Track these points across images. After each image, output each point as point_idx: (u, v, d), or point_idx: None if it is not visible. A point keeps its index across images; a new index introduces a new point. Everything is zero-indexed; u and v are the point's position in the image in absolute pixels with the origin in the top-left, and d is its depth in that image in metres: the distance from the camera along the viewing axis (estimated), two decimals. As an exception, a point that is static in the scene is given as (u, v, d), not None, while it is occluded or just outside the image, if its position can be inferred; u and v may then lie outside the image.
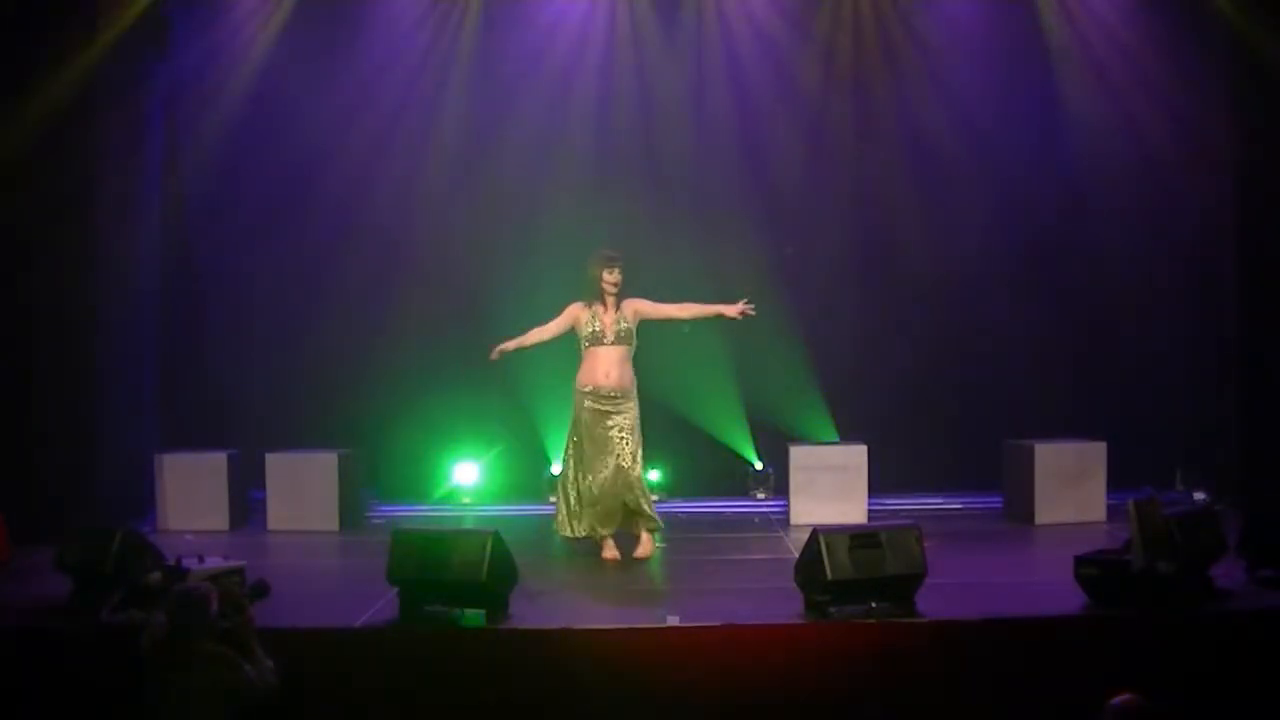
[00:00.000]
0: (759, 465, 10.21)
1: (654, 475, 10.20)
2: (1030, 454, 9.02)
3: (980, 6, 10.46)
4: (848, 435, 9.63)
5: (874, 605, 6.12)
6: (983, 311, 10.29)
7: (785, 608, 6.28)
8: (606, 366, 7.89)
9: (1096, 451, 9.11)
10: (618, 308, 7.97)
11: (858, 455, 9.20)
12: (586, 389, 7.91)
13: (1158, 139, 10.26)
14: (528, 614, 6.29)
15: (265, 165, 10.31)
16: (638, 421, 7.96)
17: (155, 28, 9.73)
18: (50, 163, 8.81)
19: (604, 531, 7.93)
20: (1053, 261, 10.38)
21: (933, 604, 6.22)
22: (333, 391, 10.28)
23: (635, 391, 7.97)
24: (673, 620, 6.14)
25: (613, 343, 7.91)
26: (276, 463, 9.27)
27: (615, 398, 7.88)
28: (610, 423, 7.88)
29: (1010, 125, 10.31)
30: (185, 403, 10.22)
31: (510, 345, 8.24)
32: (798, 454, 9.35)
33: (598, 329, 7.92)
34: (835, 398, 10.13)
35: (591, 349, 7.95)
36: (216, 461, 9.29)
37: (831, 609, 6.08)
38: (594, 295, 7.98)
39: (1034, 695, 5.76)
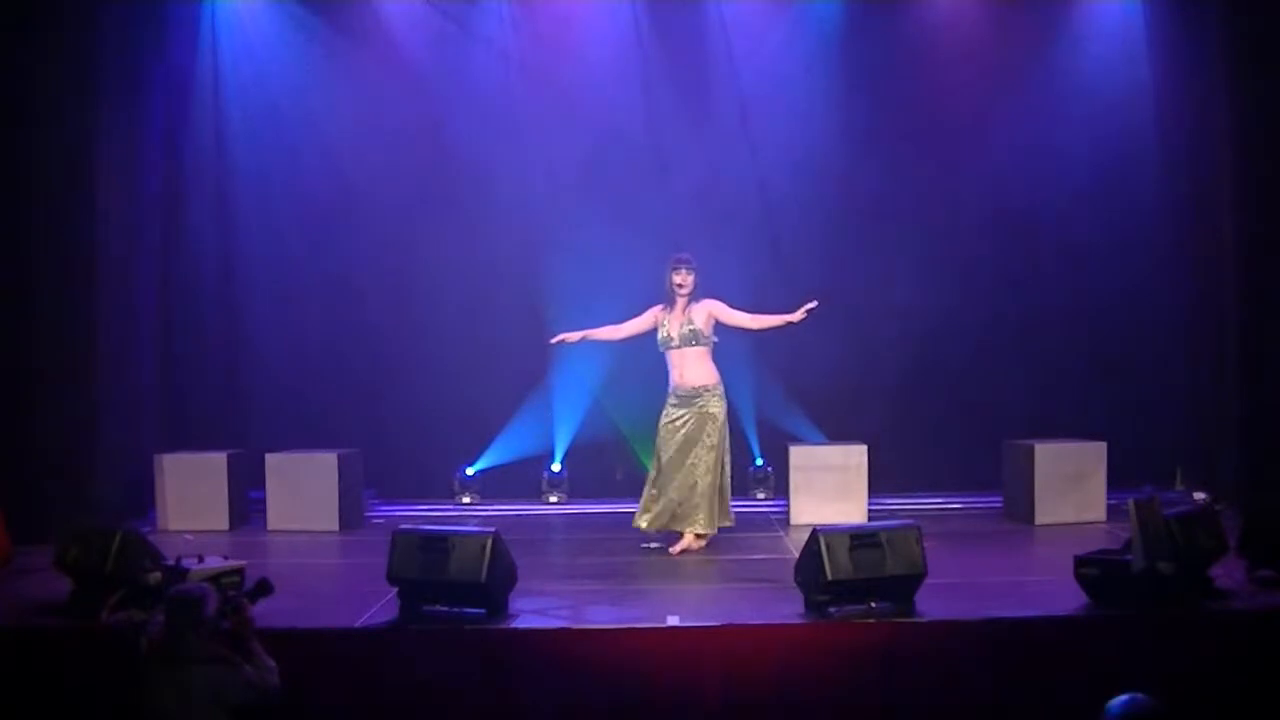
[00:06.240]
0: (759, 462, 10.21)
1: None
2: (1030, 454, 9.02)
3: (977, 6, 10.47)
4: (847, 435, 9.62)
5: (874, 605, 6.13)
6: (983, 311, 10.29)
7: (785, 608, 6.28)
8: (681, 368, 8.17)
9: (1096, 451, 9.11)
10: (687, 310, 8.19)
11: (858, 455, 9.20)
12: (670, 391, 8.22)
13: (1157, 139, 10.29)
14: (528, 614, 6.29)
15: (266, 165, 10.35)
16: (722, 417, 8.17)
17: (155, 27, 9.73)
18: (50, 163, 8.80)
19: (676, 527, 8.17)
20: (1053, 261, 10.39)
21: (933, 604, 6.22)
22: (333, 391, 10.30)
23: (719, 387, 8.20)
24: (673, 620, 6.15)
25: (679, 345, 8.17)
26: (276, 463, 9.27)
27: (694, 396, 8.13)
28: (688, 418, 8.12)
29: (1008, 125, 10.31)
30: (185, 403, 10.23)
31: (574, 336, 8.47)
32: (797, 454, 9.35)
33: (666, 333, 8.21)
34: (835, 397, 10.13)
35: (666, 353, 8.24)
36: (216, 461, 9.28)
37: (831, 609, 6.09)
38: (669, 298, 8.22)
39: (1034, 695, 5.77)
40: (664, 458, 8.19)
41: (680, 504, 8.13)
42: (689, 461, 8.13)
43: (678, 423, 8.16)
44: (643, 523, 8.25)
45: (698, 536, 8.17)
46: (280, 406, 10.25)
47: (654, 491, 8.24)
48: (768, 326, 8.32)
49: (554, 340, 8.58)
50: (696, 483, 8.12)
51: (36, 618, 6.41)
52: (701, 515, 8.11)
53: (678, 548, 8.15)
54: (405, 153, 10.37)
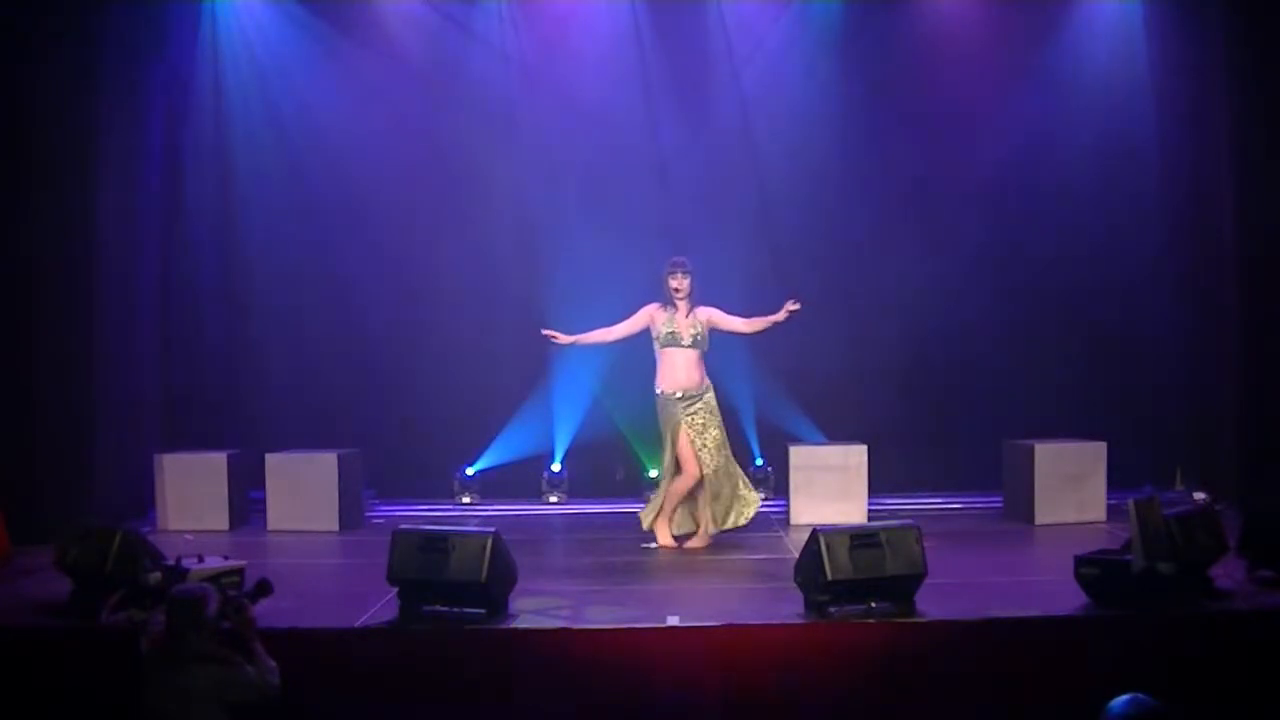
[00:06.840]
0: (759, 462, 10.20)
1: (654, 474, 10.23)
2: (1030, 454, 9.02)
3: (977, 6, 10.46)
4: (847, 435, 9.62)
5: (874, 605, 6.12)
6: (983, 311, 10.28)
7: (785, 608, 6.28)
8: (686, 368, 8.23)
9: (1096, 451, 9.11)
10: (690, 312, 8.26)
11: (858, 455, 9.20)
12: (673, 394, 8.23)
13: (1157, 138, 10.29)
14: (528, 614, 6.30)
15: (266, 165, 10.35)
16: (717, 410, 8.34)
17: (155, 27, 9.73)
18: (50, 163, 8.80)
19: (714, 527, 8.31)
20: (1053, 261, 10.38)
21: (933, 604, 6.22)
22: (333, 391, 10.30)
23: (710, 386, 8.34)
24: (673, 620, 6.14)
25: (689, 345, 8.23)
26: (276, 463, 9.26)
27: (703, 393, 8.26)
28: (697, 417, 8.21)
29: (1007, 123, 10.31)
30: (185, 403, 10.23)
31: (565, 339, 8.50)
32: (797, 454, 9.34)
33: (674, 330, 8.24)
34: (835, 397, 10.12)
35: (667, 350, 8.26)
36: (216, 461, 9.28)
37: (831, 609, 6.08)
38: (667, 299, 8.27)
39: (1034, 695, 5.77)
40: (704, 457, 8.20)
41: (731, 497, 8.32)
42: (716, 449, 8.24)
43: (698, 419, 8.23)
44: (733, 522, 8.34)
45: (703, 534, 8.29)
46: (280, 406, 10.25)
47: (709, 494, 8.27)
48: (759, 329, 8.39)
49: (545, 332, 8.57)
50: (728, 471, 8.32)
51: (36, 618, 6.41)
52: (748, 494, 8.40)
53: (688, 541, 8.30)
54: (405, 152, 10.36)
